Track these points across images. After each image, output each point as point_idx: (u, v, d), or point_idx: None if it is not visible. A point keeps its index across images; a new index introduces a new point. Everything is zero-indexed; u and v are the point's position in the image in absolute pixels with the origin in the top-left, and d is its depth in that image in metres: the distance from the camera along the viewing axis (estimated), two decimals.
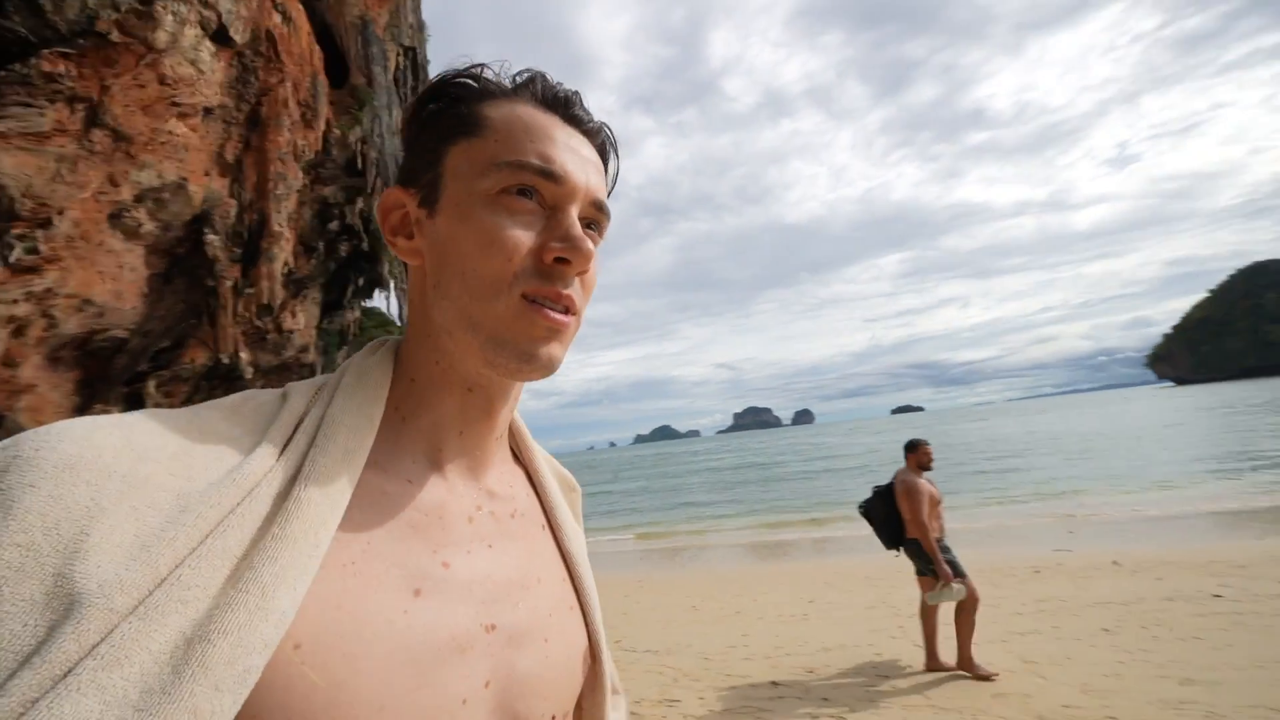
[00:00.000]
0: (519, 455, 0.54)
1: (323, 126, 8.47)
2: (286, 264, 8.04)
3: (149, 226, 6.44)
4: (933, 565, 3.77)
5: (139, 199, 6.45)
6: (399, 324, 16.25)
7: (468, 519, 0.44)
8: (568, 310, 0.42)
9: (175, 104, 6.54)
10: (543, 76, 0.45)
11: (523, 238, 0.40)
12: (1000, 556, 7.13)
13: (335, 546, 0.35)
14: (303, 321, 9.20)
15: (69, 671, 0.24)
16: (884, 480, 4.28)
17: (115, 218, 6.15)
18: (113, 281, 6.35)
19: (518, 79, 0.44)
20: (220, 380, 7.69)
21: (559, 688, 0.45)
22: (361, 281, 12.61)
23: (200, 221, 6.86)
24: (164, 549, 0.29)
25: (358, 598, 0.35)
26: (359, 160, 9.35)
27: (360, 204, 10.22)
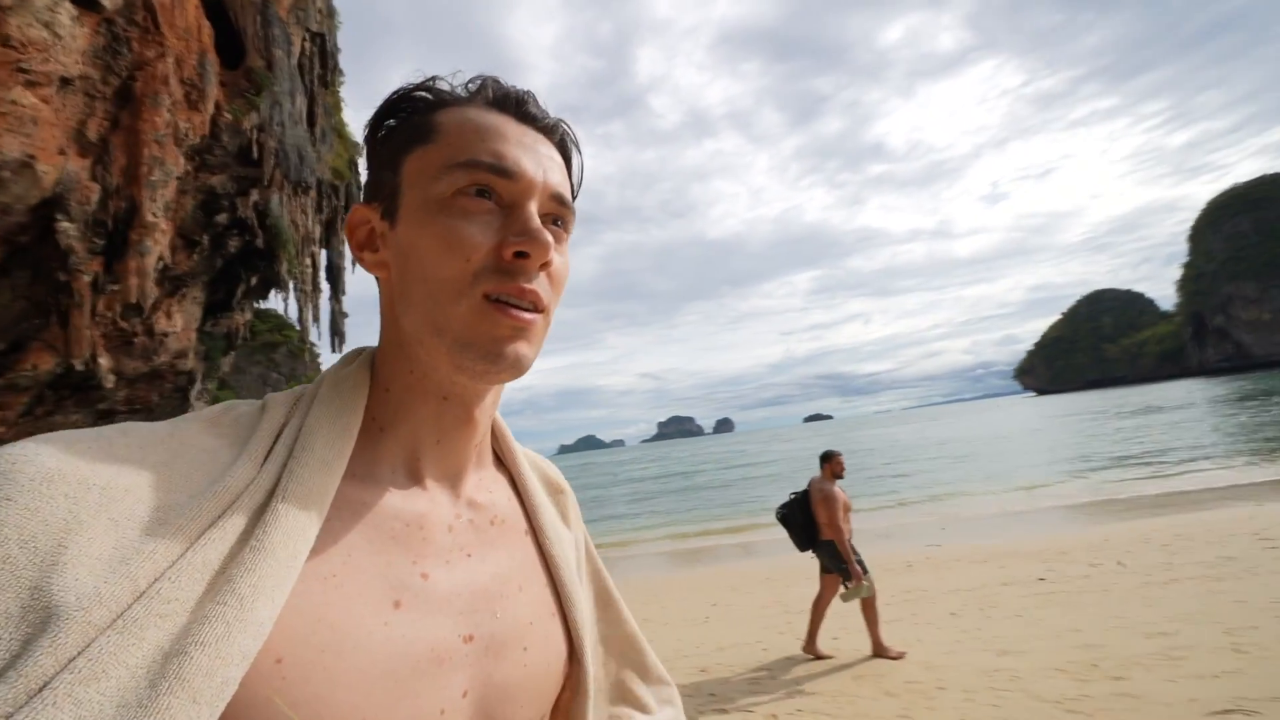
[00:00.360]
0: (502, 459, 0.53)
1: (211, 109, 7.68)
2: (161, 258, 7.18)
3: None
4: (843, 565, 4.11)
5: None
6: (298, 328, 14.92)
7: (447, 528, 0.44)
8: (535, 307, 0.41)
9: (22, 70, 5.67)
10: (494, 80, 0.45)
11: (480, 237, 0.40)
12: (882, 553, 7.83)
13: (315, 559, 0.35)
14: (180, 323, 8.23)
15: (44, 686, 0.24)
16: (797, 487, 4.59)
17: None
18: None
19: (470, 86, 0.44)
20: (71, 390, 6.69)
21: (538, 694, 0.45)
22: (254, 281, 11.49)
23: (51, 206, 5.97)
24: (143, 562, 0.29)
25: (339, 611, 0.35)
26: (255, 149, 8.56)
27: (255, 196, 9.34)
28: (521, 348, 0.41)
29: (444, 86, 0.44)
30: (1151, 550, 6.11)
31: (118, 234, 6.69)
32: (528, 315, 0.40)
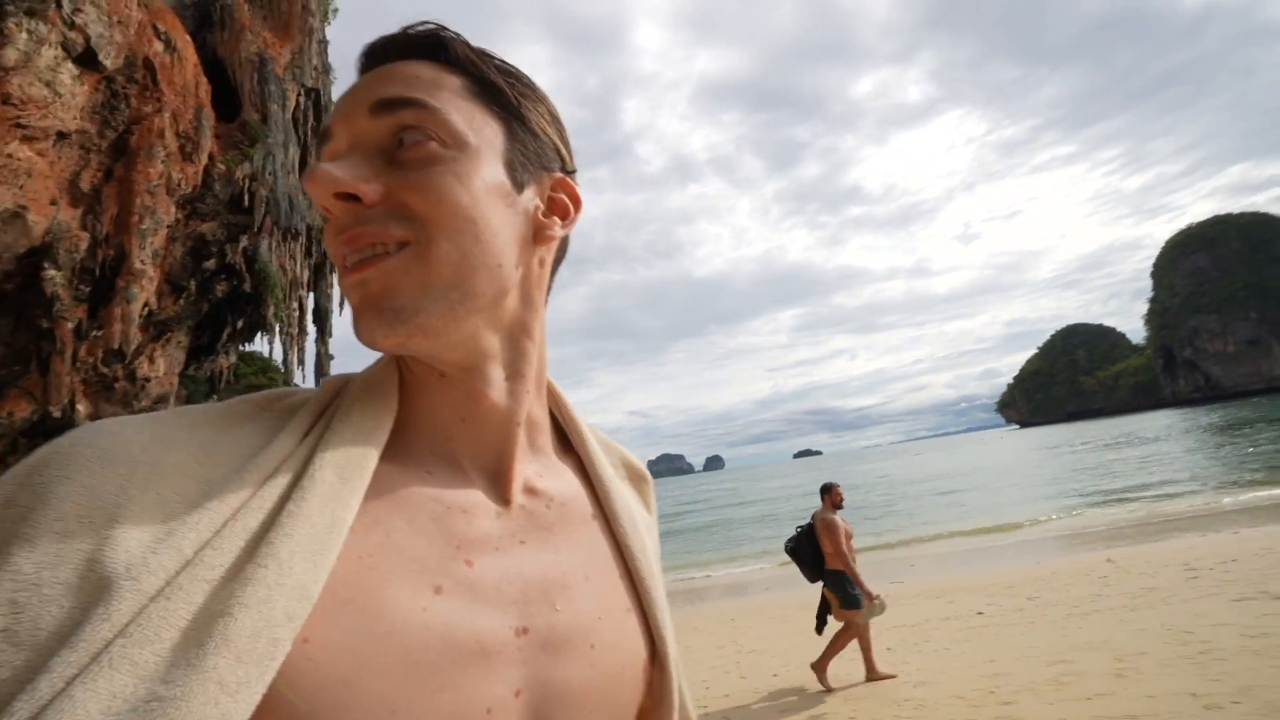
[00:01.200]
0: (570, 442, 0.50)
1: (205, 160, 7.91)
2: (147, 304, 7.23)
3: None
4: (845, 592, 4.26)
5: None
6: (282, 370, 14.83)
7: (495, 514, 0.41)
8: (375, 250, 0.36)
9: (20, 125, 5.86)
10: (369, 44, 0.41)
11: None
12: None
13: (351, 538, 0.34)
14: (162, 368, 8.20)
15: (103, 649, 0.26)
16: (787, 527, 4.75)
17: None
18: None
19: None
20: (46, 437, 6.57)
21: (610, 699, 0.40)
22: (241, 324, 11.51)
23: (39, 254, 6.04)
24: (188, 533, 0.30)
25: (372, 593, 0.33)
26: (246, 197, 8.78)
27: (244, 242, 9.49)
28: (379, 300, 0.36)
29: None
30: (1089, 581, 6.36)
31: (105, 280, 6.76)
32: (366, 263, 0.36)
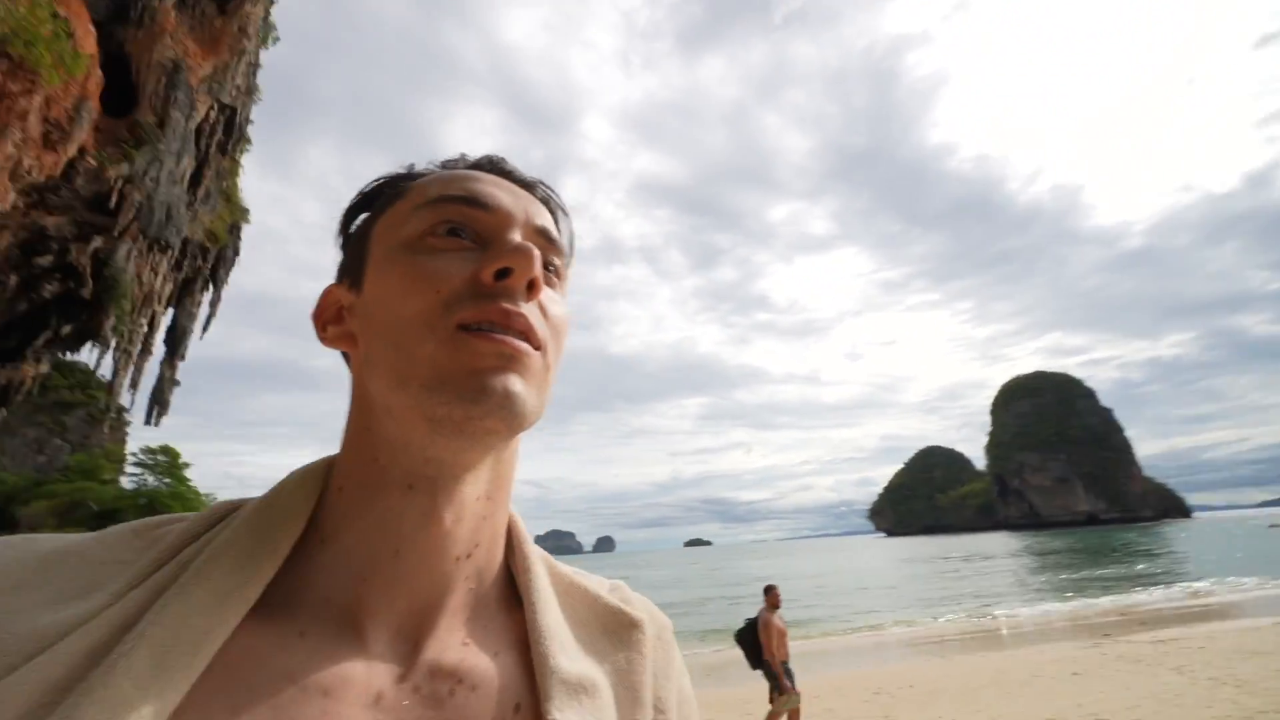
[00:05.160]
0: (519, 586, 0.38)
1: (72, 152, 7.17)
2: None
3: None
4: (773, 680, 4.87)
5: None
6: (110, 392, 12.69)
7: (374, 698, 0.29)
8: (526, 338, 0.32)
9: None
10: (496, 157, 0.40)
11: (452, 267, 0.33)
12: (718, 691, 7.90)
13: None
14: None
15: None
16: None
17: None
18: None
19: (445, 163, 0.40)
20: None
21: None
22: (67, 330, 9.89)
23: None
24: None
25: None
26: (114, 198, 7.93)
27: (98, 243, 8.43)
28: (512, 381, 0.31)
29: (420, 168, 0.40)
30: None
31: None
32: (515, 341, 0.31)
